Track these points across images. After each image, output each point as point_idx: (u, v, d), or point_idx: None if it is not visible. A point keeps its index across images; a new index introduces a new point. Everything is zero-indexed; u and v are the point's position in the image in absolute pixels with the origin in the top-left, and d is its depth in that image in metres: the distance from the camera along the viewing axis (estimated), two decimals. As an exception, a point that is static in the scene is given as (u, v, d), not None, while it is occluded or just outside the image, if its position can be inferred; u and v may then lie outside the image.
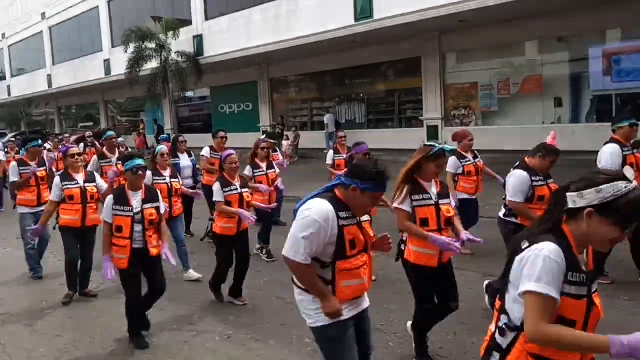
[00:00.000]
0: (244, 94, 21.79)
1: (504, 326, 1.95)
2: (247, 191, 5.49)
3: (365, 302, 2.95)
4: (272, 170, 6.87)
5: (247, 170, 6.58)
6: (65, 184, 5.43)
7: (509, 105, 13.95)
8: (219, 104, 23.40)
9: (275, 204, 6.77)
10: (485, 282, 4.59)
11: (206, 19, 19.82)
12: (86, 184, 5.51)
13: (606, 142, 5.28)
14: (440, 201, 3.63)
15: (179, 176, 6.51)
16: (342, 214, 2.66)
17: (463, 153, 6.25)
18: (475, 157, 6.35)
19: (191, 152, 8.20)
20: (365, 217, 2.86)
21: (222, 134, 8.06)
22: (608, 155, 5.11)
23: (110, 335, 4.67)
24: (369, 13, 13.85)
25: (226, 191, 5.26)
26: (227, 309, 5.19)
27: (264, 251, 6.76)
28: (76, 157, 5.55)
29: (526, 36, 13.29)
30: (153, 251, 4.40)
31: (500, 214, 4.68)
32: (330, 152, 7.96)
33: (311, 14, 15.34)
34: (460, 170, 6.17)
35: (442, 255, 3.61)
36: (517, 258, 1.87)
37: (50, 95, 32.63)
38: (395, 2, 13.11)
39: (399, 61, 16.27)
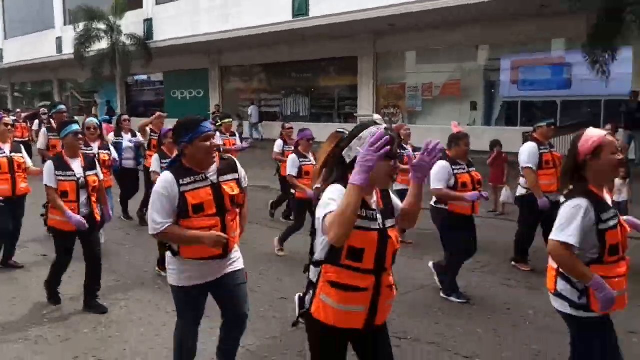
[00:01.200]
0: (196, 81, 23.62)
1: (311, 264, 2.42)
2: None
3: (231, 267, 3.24)
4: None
5: None
6: None
7: (432, 107, 16.05)
8: (172, 90, 25.18)
9: None
10: (431, 263, 5.45)
11: (157, 3, 21.56)
12: (13, 154, 5.89)
13: (525, 141, 6.12)
14: None
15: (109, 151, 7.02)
16: (185, 180, 3.03)
17: (403, 145, 6.90)
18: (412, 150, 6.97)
19: (136, 133, 8.55)
20: (231, 176, 3.21)
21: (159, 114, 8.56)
22: (527, 153, 5.81)
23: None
24: (305, 11, 15.81)
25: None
26: (158, 280, 5.73)
27: None
28: (9, 126, 6.01)
29: (448, 43, 15.36)
30: (98, 217, 4.87)
31: (432, 202, 5.24)
32: (279, 141, 8.51)
33: (254, 7, 17.18)
34: None
35: None
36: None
37: (3, 71, 33.93)
38: (330, 2, 15.08)
39: (339, 59, 18.32)
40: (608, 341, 2.75)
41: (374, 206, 2.35)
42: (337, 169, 2.41)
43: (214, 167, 3.15)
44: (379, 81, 17.25)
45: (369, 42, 16.85)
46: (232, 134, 9.42)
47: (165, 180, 3.03)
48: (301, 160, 6.46)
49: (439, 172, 5.00)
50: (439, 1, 12.81)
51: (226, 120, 9.38)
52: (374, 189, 2.38)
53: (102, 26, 21.13)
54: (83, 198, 4.69)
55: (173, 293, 3.23)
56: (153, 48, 21.25)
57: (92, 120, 6.96)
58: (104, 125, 8.52)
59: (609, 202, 2.80)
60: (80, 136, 4.92)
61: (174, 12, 20.58)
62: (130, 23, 21.35)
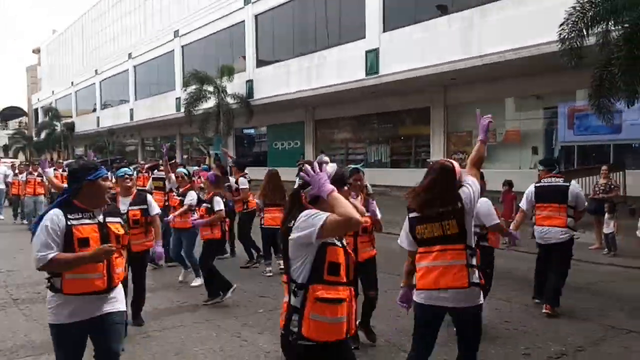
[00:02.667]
0: (293, 133, 26.98)
1: (295, 289, 2.80)
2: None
3: (112, 307, 3.47)
4: None
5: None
6: None
7: (495, 152, 17.64)
8: (274, 141, 28.82)
9: None
10: None
11: (257, 66, 25.38)
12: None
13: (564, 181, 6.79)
14: None
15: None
16: (73, 216, 3.34)
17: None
18: None
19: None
20: (114, 219, 3.61)
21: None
22: (578, 191, 6.68)
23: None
24: (376, 69, 18.38)
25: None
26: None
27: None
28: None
29: (510, 93, 17.07)
30: (136, 247, 5.74)
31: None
32: None
33: (334, 68, 20.13)
34: None
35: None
36: (290, 237, 2.82)
37: (133, 128, 40.06)
38: (396, 61, 17.53)
39: (414, 110, 20.54)
40: None
41: None
42: (298, 204, 2.95)
43: (99, 210, 3.55)
44: (450, 129, 19.20)
45: (439, 95, 18.93)
46: None
47: (54, 214, 3.34)
48: None
49: (491, 208, 5.61)
50: (485, 57, 14.76)
51: None
52: None
53: (210, 88, 25.15)
54: None
55: (51, 333, 3.41)
56: (253, 105, 24.90)
57: (180, 171, 8.69)
58: (202, 173, 10.84)
59: None
60: (127, 177, 6.17)
61: (271, 73, 24.19)
62: (235, 84, 25.20)
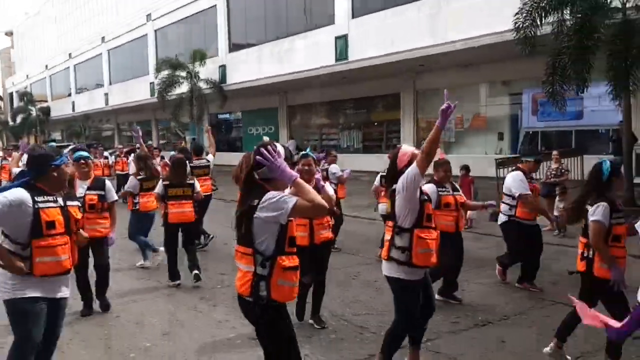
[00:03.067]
0: (268, 118, 27.29)
1: (263, 261, 3.09)
2: None
3: (64, 293, 3.70)
4: None
5: None
6: None
7: (463, 138, 18.11)
8: (249, 127, 29.07)
9: None
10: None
11: (230, 51, 25.54)
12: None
13: (512, 170, 7.23)
14: None
15: None
16: (39, 198, 3.48)
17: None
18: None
19: None
20: (73, 203, 3.85)
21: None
22: (511, 180, 6.77)
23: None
24: (345, 56, 18.66)
25: None
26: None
27: None
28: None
29: (477, 80, 17.48)
30: (90, 232, 5.48)
31: None
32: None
33: (305, 54, 20.37)
34: None
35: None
36: (255, 215, 3.05)
37: (109, 112, 39.96)
38: (365, 48, 17.83)
39: (385, 96, 20.96)
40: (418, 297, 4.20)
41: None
42: (254, 186, 3.17)
43: (59, 193, 3.77)
44: (419, 115, 19.58)
45: (408, 81, 19.28)
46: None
47: (21, 195, 3.44)
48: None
49: (431, 192, 5.67)
50: (450, 44, 15.11)
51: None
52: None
53: (182, 73, 25.31)
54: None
55: (12, 308, 3.51)
56: (227, 90, 25.12)
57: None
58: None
59: None
60: (83, 161, 6.05)
61: (244, 58, 24.39)
62: (208, 69, 25.36)
